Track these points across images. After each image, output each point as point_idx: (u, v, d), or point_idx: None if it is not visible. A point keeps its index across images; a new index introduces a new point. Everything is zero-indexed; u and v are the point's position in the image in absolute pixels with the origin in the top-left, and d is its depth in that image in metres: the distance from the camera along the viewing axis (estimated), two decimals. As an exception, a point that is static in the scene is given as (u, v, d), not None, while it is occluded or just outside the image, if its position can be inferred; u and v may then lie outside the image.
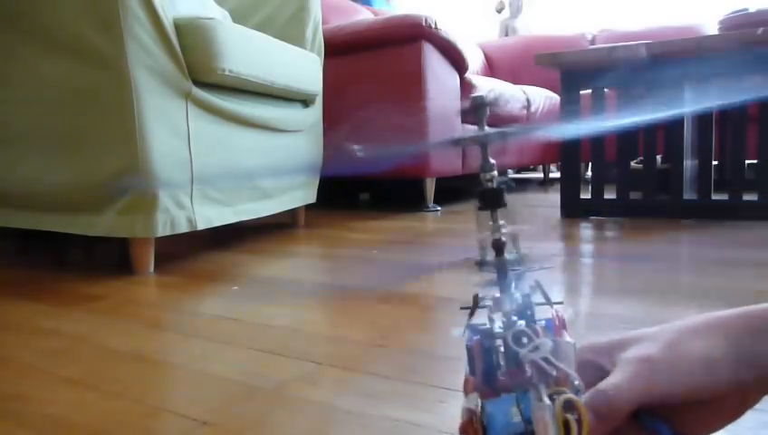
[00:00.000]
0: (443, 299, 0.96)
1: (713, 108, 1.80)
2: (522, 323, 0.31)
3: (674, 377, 0.32)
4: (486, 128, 0.30)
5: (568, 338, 0.31)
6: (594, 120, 0.29)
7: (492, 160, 0.31)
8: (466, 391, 0.32)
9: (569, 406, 0.28)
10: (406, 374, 0.64)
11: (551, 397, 0.28)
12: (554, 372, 0.29)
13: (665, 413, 0.33)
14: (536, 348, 0.29)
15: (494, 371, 0.31)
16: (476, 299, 0.32)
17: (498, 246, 0.31)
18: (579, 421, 0.28)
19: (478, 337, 0.31)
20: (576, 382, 0.30)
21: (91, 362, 0.72)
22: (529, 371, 0.29)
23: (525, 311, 0.31)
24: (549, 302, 0.32)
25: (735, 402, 0.33)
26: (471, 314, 0.32)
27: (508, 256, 0.31)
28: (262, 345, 0.75)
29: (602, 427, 0.31)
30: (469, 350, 0.32)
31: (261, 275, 1.20)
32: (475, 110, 0.30)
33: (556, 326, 0.32)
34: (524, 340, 0.29)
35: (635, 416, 0.33)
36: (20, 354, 0.75)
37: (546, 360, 0.29)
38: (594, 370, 0.35)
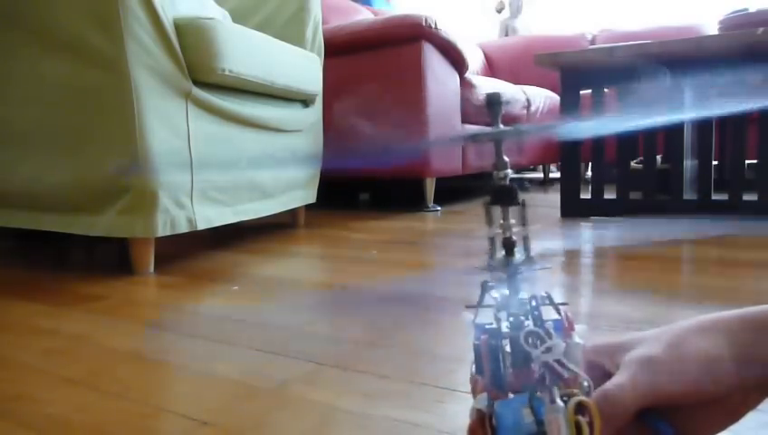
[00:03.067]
0: (443, 299, 0.96)
1: (713, 115, 1.80)
2: (530, 323, 0.30)
3: (676, 377, 0.32)
4: (501, 125, 0.30)
5: (577, 339, 0.31)
6: (609, 117, 0.29)
7: (505, 158, 0.30)
8: (475, 391, 0.32)
9: (580, 408, 0.28)
10: (406, 374, 0.64)
11: (562, 398, 0.28)
12: (566, 374, 0.29)
13: (667, 413, 0.33)
14: (549, 350, 0.29)
15: (502, 370, 0.30)
16: (485, 285, 0.32)
17: (508, 245, 0.30)
18: (590, 423, 0.28)
19: (486, 336, 0.31)
20: (585, 383, 0.30)
21: (91, 362, 0.72)
22: (537, 371, 0.29)
23: (534, 311, 0.31)
24: (553, 303, 0.31)
25: (737, 403, 0.33)
26: (480, 301, 0.32)
27: (517, 255, 0.30)
28: (262, 345, 0.75)
29: (607, 428, 0.31)
30: (477, 349, 0.31)
31: (261, 275, 1.20)
32: (490, 106, 0.30)
33: (565, 327, 0.32)
34: (536, 341, 0.29)
35: (638, 415, 0.33)
36: (20, 354, 0.75)
37: (559, 362, 0.29)
38: (596, 371, 0.35)
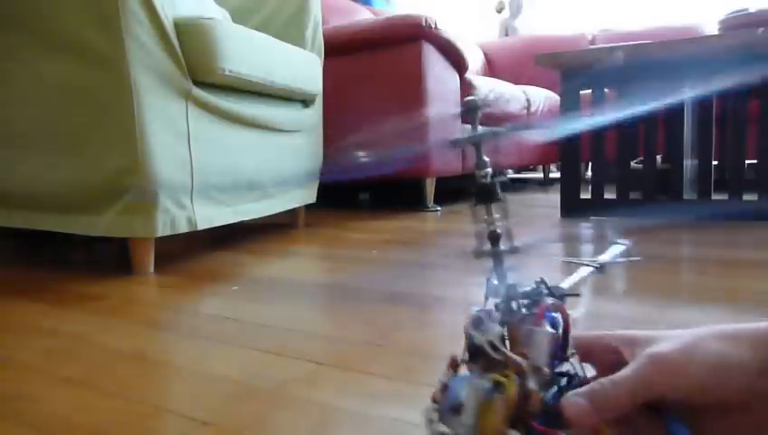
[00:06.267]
0: (443, 299, 0.96)
1: (712, 109, 1.80)
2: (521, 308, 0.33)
3: (678, 377, 0.32)
4: (480, 128, 0.33)
5: (546, 328, 0.33)
6: (588, 117, 0.30)
7: (486, 158, 0.33)
8: (448, 366, 0.35)
9: (497, 386, 0.31)
10: (406, 374, 0.64)
11: (484, 377, 0.31)
12: (495, 356, 0.32)
13: (688, 415, 0.33)
14: (485, 332, 0.32)
15: (475, 350, 0.33)
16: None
17: (493, 238, 0.33)
18: (508, 399, 0.30)
19: (468, 321, 0.34)
20: (528, 365, 0.31)
21: (91, 362, 0.72)
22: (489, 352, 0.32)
23: (515, 297, 0.33)
24: (550, 291, 0.34)
25: (764, 413, 0.32)
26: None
27: (503, 246, 0.33)
28: (262, 345, 0.75)
29: (598, 415, 0.33)
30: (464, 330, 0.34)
31: (261, 275, 1.20)
32: (469, 112, 0.33)
33: (536, 315, 0.33)
34: (480, 324, 0.33)
35: (657, 414, 0.33)
36: (20, 354, 0.75)
37: (491, 344, 0.32)
38: (613, 357, 0.36)
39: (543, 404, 0.32)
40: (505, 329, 0.33)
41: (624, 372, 0.33)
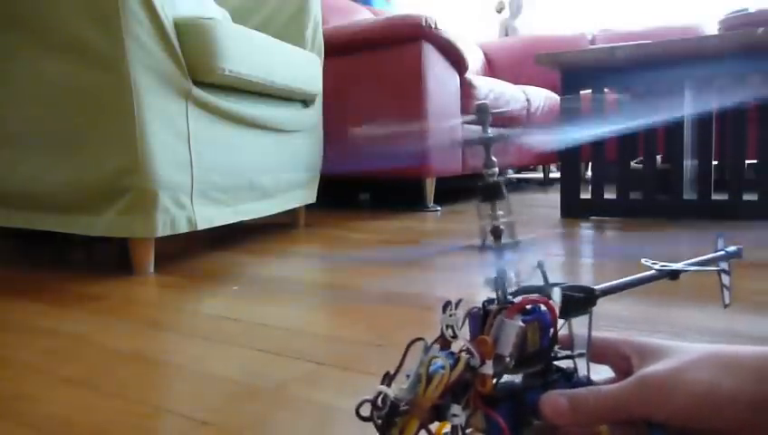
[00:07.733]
0: (443, 299, 0.96)
1: (712, 109, 1.80)
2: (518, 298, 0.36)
3: (660, 403, 0.32)
4: (489, 130, 0.35)
5: (517, 321, 0.34)
6: (591, 124, 0.31)
7: (493, 158, 0.35)
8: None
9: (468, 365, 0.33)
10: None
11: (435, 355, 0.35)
12: (448, 337, 0.36)
13: None
14: (449, 316, 0.36)
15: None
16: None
17: (496, 233, 0.35)
18: (447, 375, 0.33)
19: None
20: (465, 351, 0.34)
21: (91, 362, 0.72)
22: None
23: (504, 288, 0.36)
24: (546, 281, 0.36)
25: None
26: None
27: (505, 241, 0.35)
28: (262, 345, 0.75)
29: (573, 418, 0.34)
30: None
31: (261, 275, 1.20)
32: (480, 114, 0.35)
33: (510, 308, 0.34)
34: (448, 309, 0.37)
35: (648, 426, 0.33)
36: (20, 354, 0.75)
37: (450, 327, 0.36)
38: (626, 364, 0.36)
39: (520, 392, 0.35)
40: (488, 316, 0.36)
41: (613, 386, 0.34)
